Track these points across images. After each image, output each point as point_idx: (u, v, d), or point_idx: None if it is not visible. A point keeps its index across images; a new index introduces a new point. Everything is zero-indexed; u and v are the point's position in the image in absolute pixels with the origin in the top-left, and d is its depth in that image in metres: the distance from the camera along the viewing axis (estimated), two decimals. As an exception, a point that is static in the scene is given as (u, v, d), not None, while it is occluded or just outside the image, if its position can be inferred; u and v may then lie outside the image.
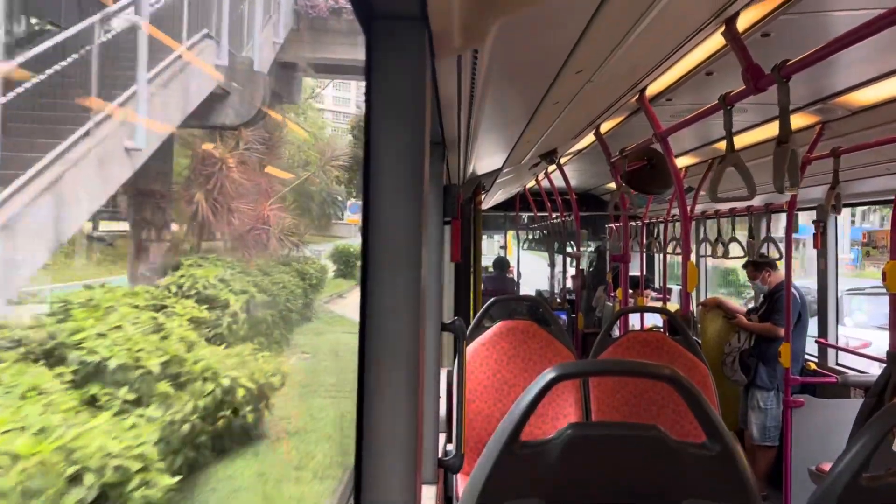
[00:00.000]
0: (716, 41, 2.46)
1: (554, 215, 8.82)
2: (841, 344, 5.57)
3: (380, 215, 1.23)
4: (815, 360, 5.57)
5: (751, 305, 6.35)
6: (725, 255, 6.46)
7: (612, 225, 8.88)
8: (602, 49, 1.96)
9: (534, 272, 13.89)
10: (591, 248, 11.47)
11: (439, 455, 2.88)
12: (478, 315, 3.97)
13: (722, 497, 1.54)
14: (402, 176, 1.22)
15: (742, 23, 2.25)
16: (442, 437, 3.45)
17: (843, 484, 1.40)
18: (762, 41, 2.43)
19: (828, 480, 1.43)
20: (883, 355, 3.90)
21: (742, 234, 6.42)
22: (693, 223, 6.93)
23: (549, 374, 1.57)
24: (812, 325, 5.60)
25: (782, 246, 4.99)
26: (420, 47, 1.18)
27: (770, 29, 2.36)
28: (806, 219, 5.44)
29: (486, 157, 4.29)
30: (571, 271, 9.25)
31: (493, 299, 3.98)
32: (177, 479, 6.79)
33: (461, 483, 3.23)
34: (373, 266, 1.23)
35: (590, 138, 4.60)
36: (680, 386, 1.55)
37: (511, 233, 12.67)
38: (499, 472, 1.54)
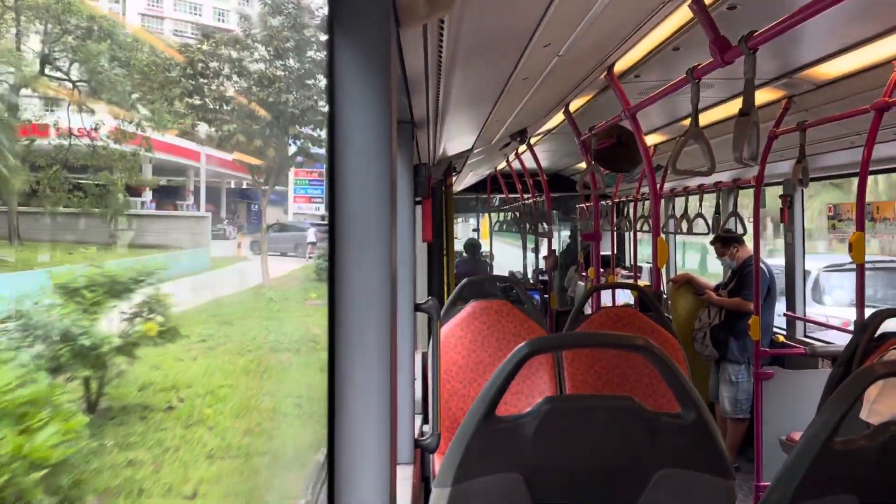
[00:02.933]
0: (682, 15, 2.46)
1: (525, 196, 8.83)
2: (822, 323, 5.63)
3: (347, 192, 1.20)
4: (784, 332, 5.66)
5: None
6: (690, 231, 6.52)
7: (583, 205, 8.93)
8: (569, 21, 1.94)
9: (507, 254, 13.92)
10: (567, 235, 11.52)
11: (416, 436, 2.87)
12: (451, 295, 3.96)
13: (697, 466, 1.55)
14: (370, 152, 1.20)
15: (709, -5, 2.25)
16: (418, 418, 3.45)
17: (816, 448, 1.41)
18: (728, 14, 2.44)
19: (800, 445, 1.44)
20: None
21: (710, 212, 6.48)
22: (662, 201, 6.98)
23: (523, 349, 1.57)
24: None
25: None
26: (384, 15, 1.15)
27: (736, 1, 2.36)
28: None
29: (457, 137, 4.26)
30: (543, 252, 9.29)
31: (466, 279, 3.97)
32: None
33: (438, 463, 3.23)
34: (341, 247, 1.21)
35: (559, 118, 4.59)
36: (653, 356, 1.55)
37: (484, 218, 12.67)
38: (475, 448, 1.54)
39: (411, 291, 2.79)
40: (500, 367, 1.57)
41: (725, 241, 5.63)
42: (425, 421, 3.48)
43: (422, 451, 2.95)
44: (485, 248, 11.41)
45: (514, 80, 2.54)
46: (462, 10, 1.48)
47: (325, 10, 1.19)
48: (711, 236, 6.06)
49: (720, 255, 5.75)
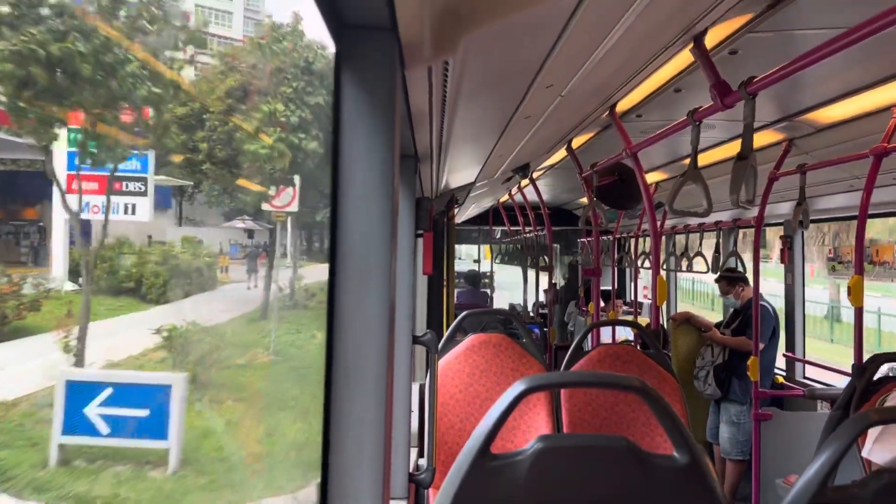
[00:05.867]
0: (684, 58, 2.50)
1: (527, 229, 8.86)
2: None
3: (349, 226, 1.22)
4: (783, 373, 5.64)
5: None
6: (689, 269, 6.53)
7: (584, 239, 8.95)
8: (572, 64, 1.97)
9: (508, 286, 13.90)
10: (568, 268, 11.51)
11: (411, 470, 2.85)
12: (450, 328, 3.95)
13: None
14: (373, 187, 1.22)
15: (710, 40, 2.28)
16: (414, 451, 3.43)
17: (810, 495, 1.41)
18: (730, 59, 2.48)
19: (794, 491, 1.44)
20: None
21: (710, 251, 6.50)
22: (663, 238, 7.01)
23: (519, 386, 1.57)
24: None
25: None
26: (390, 57, 1.18)
27: (737, 47, 2.40)
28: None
29: (459, 171, 4.30)
30: (544, 285, 9.29)
31: (465, 312, 3.97)
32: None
33: (433, 498, 3.20)
34: (341, 278, 1.22)
35: (562, 153, 4.63)
36: (648, 396, 1.55)
37: (486, 247, 12.69)
38: (469, 485, 1.53)
39: (410, 324, 2.79)
40: (495, 405, 1.58)
41: (731, 280, 5.63)
42: (421, 454, 3.45)
43: (416, 486, 2.92)
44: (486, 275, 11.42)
45: (516, 118, 2.57)
46: (466, 53, 1.51)
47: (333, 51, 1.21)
48: (710, 275, 6.07)
49: (724, 293, 5.75)
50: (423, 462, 2.92)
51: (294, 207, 17.57)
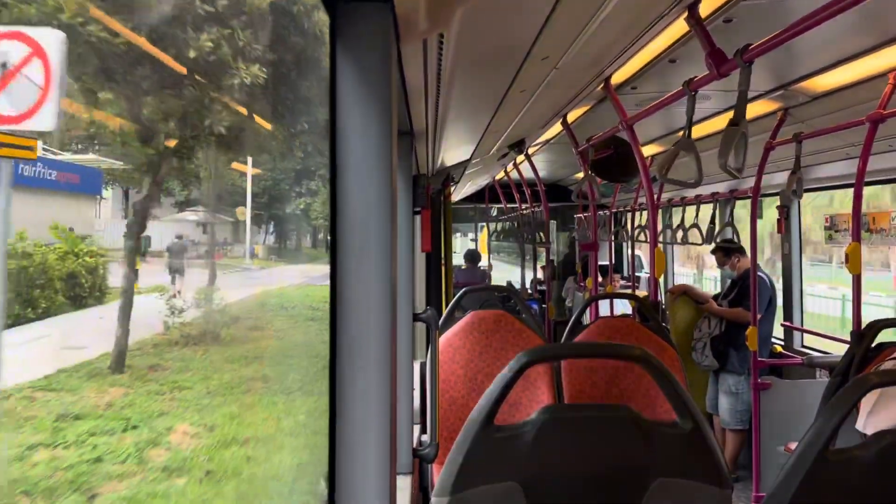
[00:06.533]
0: (679, 27, 2.49)
1: (523, 206, 8.85)
2: None
3: (348, 204, 1.22)
4: (782, 342, 5.67)
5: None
6: (685, 241, 6.54)
7: (581, 215, 8.95)
8: (566, 35, 1.96)
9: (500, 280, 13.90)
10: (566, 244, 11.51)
11: (414, 446, 2.88)
12: (450, 305, 3.97)
13: (694, 474, 1.57)
14: (371, 163, 1.21)
15: (704, 8, 2.27)
16: (416, 428, 3.45)
17: (811, 458, 1.42)
18: (725, 27, 2.47)
19: (795, 455, 1.45)
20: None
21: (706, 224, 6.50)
22: (660, 211, 7.01)
23: (522, 358, 1.58)
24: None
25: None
26: (385, 30, 1.17)
27: (732, 14, 2.39)
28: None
29: (455, 148, 4.28)
30: (542, 261, 9.31)
31: (464, 289, 3.99)
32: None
33: (436, 473, 3.23)
34: (343, 257, 1.22)
35: (557, 128, 4.62)
36: (650, 365, 1.56)
37: (483, 232, 12.67)
38: (473, 457, 1.55)
39: (410, 301, 2.80)
40: (498, 378, 1.59)
41: (727, 252, 5.64)
42: (423, 431, 3.48)
43: (420, 461, 2.95)
44: (483, 259, 11.42)
45: (511, 92, 2.56)
46: (461, 26, 1.51)
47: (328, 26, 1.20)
48: (706, 246, 6.08)
49: (721, 264, 5.76)
50: (426, 438, 2.94)
51: (49, 123, 5.75)
